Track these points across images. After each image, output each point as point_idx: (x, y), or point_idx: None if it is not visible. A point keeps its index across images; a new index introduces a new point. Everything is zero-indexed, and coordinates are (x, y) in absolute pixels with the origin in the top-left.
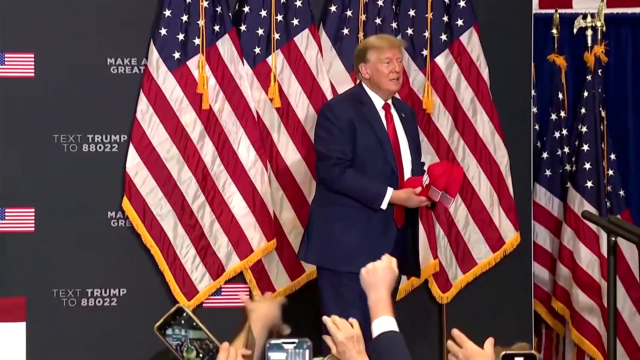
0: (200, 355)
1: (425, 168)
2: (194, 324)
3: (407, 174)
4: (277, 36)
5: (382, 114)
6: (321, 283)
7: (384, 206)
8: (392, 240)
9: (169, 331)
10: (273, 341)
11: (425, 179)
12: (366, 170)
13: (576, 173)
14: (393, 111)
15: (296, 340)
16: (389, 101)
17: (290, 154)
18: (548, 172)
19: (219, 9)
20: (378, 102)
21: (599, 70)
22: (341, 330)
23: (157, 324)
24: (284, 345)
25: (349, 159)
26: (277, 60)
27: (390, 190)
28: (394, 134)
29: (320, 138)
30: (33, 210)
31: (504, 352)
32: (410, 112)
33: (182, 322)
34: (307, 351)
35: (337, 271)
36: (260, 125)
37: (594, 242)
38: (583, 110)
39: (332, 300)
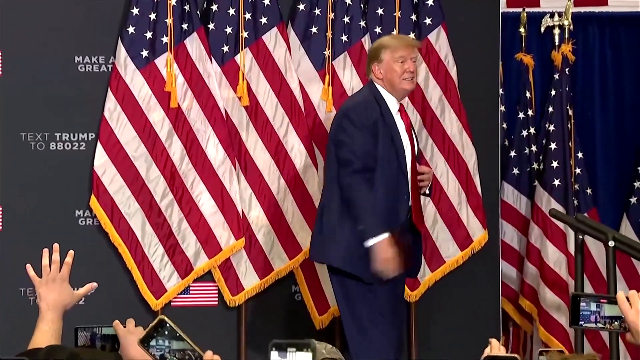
0: None
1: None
2: (177, 334)
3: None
4: (245, 35)
5: (397, 118)
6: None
7: (369, 243)
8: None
9: (152, 342)
10: (276, 341)
11: None
12: (381, 178)
13: (544, 171)
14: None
15: (299, 342)
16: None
17: (258, 152)
18: (516, 171)
19: (187, 7)
20: (393, 105)
21: (566, 69)
22: None
23: (141, 337)
24: (287, 348)
25: (373, 168)
26: (245, 59)
27: (384, 236)
28: (407, 140)
29: (345, 144)
30: (0, 209)
31: (486, 355)
32: None
33: (166, 332)
34: (311, 354)
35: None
36: (229, 123)
37: (561, 240)
38: (550, 109)
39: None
